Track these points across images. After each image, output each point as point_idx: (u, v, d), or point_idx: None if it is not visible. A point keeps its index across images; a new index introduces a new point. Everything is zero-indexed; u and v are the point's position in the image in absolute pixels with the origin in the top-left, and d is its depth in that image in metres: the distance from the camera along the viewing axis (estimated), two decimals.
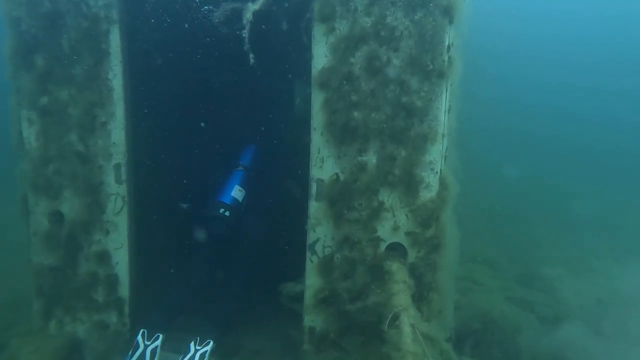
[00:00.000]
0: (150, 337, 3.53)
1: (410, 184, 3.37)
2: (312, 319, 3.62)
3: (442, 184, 3.39)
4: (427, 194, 3.37)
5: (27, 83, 3.65)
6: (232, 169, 4.26)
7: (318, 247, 3.53)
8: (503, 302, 5.21)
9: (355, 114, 3.35)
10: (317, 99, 3.38)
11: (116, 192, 3.75)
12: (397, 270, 3.25)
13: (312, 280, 3.56)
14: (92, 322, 3.93)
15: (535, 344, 4.35)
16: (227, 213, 4.05)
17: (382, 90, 3.30)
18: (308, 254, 3.55)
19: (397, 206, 3.41)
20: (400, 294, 3.07)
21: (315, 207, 3.49)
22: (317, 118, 3.40)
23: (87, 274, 3.87)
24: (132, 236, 3.84)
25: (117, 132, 3.67)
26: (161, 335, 3.54)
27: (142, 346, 3.45)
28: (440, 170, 3.36)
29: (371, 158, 3.39)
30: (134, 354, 3.43)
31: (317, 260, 3.54)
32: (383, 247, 3.45)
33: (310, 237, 3.53)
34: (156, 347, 3.47)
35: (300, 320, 3.65)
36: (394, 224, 3.42)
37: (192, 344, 3.55)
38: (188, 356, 3.48)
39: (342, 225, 3.47)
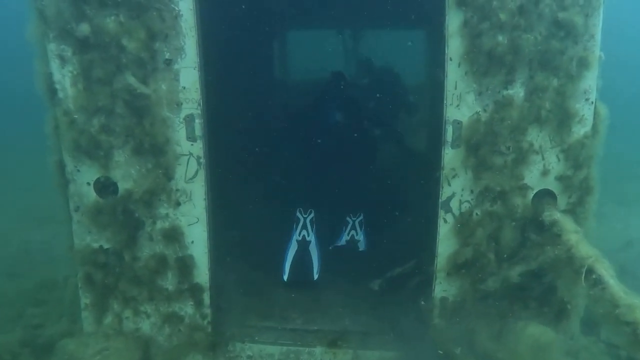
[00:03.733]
0: (305, 211, 3.93)
1: (562, 119, 2.86)
2: (445, 289, 3.07)
3: (596, 116, 2.90)
4: (581, 130, 2.88)
5: (55, 5, 2.69)
6: None
7: (453, 204, 2.96)
8: None
9: (500, 37, 2.75)
10: (454, 21, 2.75)
11: (188, 152, 2.93)
12: (563, 220, 2.76)
13: (447, 243, 3.00)
14: (160, 315, 3.14)
15: None
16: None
17: (533, 5, 2.72)
18: (441, 213, 2.97)
19: (547, 146, 2.89)
20: (581, 245, 2.59)
21: (450, 155, 2.89)
22: (454, 45, 2.77)
23: (152, 257, 3.07)
24: (210, 207, 3.05)
25: (189, 74, 2.83)
26: (313, 210, 3.94)
27: (302, 219, 3.90)
28: (595, 100, 2.87)
29: (518, 91, 2.83)
30: (297, 225, 3.90)
31: (453, 219, 2.97)
32: (530, 195, 2.94)
33: (444, 193, 2.95)
34: (312, 217, 3.93)
35: (429, 291, 3.11)
36: (542, 167, 2.91)
37: (348, 217, 4.06)
38: (349, 227, 4.06)
39: (484, 174, 2.91)
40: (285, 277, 3.79)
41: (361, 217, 4.13)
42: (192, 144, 2.92)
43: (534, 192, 2.93)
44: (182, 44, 2.79)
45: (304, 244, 3.89)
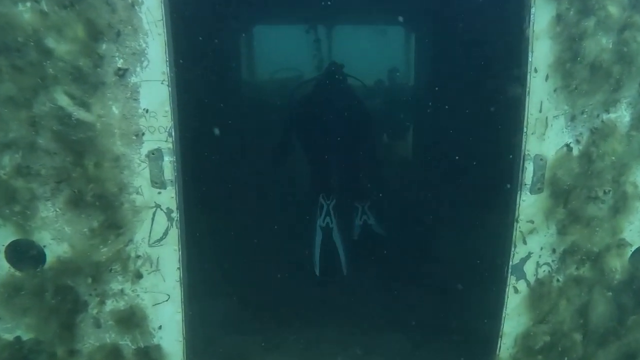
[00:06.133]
0: (328, 197, 3.94)
1: None
2: None
3: None
4: None
5: None
6: None
7: (528, 267, 2.15)
8: None
9: (604, 40, 1.95)
10: (543, 17, 1.92)
11: (154, 204, 1.99)
12: None
13: (517, 320, 2.20)
14: None
15: None
16: None
17: None
18: (511, 280, 2.16)
19: None
20: None
21: (529, 203, 2.08)
22: (541, 50, 1.94)
23: (99, 350, 2.12)
24: (186, 278, 2.13)
25: (154, 90, 1.89)
26: (335, 198, 3.96)
27: (325, 205, 3.92)
28: None
29: (622, 115, 2.05)
30: (322, 211, 3.92)
31: (527, 288, 2.17)
32: (628, 254, 2.18)
33: (518, 253, 2.13)
34: (334, 204, 3.93)
35: None
36: None
37: (356, 204, 4.19)
38: (359, 211, 4.16)
39: (571, 228, 2.12)
40: (317, 271, 3.79)
41: (369, 202, 4.19)
42: (159, 192, 1.98)
43: (632, 249, 2.17)
44: (143, 45, 1.84)
45: (327, 232, 3.92)
